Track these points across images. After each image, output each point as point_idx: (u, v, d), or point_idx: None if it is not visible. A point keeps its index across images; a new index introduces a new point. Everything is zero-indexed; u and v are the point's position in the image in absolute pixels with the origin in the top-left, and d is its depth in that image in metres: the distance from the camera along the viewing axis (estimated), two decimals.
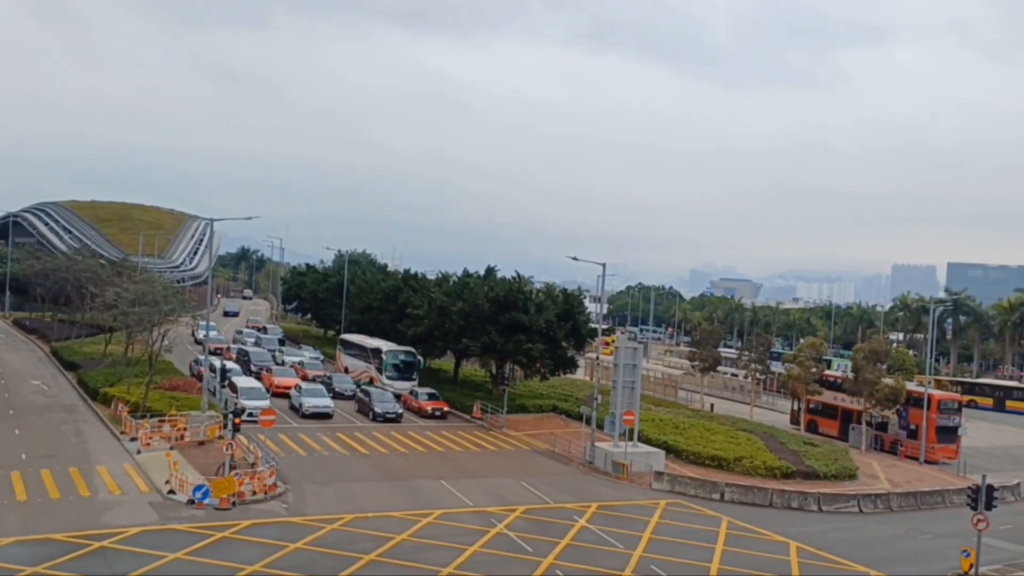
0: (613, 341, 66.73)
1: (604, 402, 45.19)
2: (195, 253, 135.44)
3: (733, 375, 79.70)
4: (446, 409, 53.44)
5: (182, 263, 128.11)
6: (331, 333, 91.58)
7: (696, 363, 65.78)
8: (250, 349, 69.17)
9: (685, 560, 27.92)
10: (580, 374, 69.88)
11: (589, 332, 59.10)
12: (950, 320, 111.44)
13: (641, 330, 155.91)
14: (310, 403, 49.68)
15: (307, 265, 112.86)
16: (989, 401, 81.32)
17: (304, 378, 58.47)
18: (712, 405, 65.18)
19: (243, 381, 50.13)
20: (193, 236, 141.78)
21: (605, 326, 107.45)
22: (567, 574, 25.58)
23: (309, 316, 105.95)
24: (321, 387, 53.62)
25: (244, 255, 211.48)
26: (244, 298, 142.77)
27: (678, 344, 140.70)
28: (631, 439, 42.30)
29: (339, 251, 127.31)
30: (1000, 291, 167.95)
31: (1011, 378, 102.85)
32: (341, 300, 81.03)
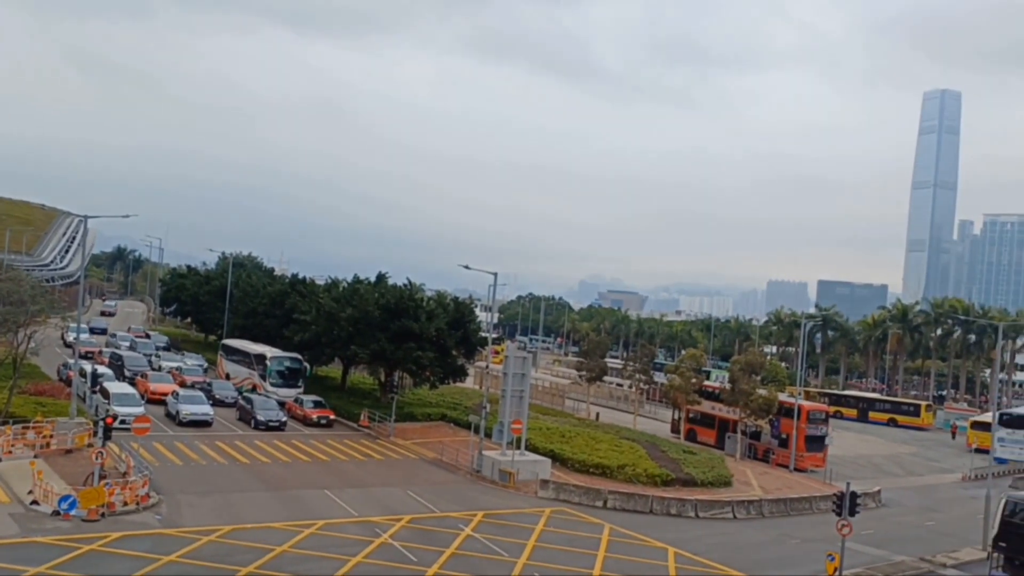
0: (503, 350, 67.27)
1: (493, 411, 45.45)
2: (67, 251, 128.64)
3: (618, 385, 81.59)
4: (332, 417, 52.54)
5: (52, 261, 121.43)
6: (212, 338, 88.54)
7: (583, 373, 67.04)
8: (124, 353, 66.13)
9: (568, 567, 28.35)
10: (470, 382, 70.10)
11: (479, 341, 59.36)
12: (819, 334, 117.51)
13: (531, 339, 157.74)
14: (188, 410, 47.90)
15: (188, 267, 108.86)
16: (854, 412, 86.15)
17: (182, 384, 56.32)
18: (598, 414, 66.50)
19: (116, 386, 47.83)
20: (65, 234, 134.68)
21: (495, 335, 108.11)
22: None
23: (189, 320, 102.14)
24: (200, 394, 51.76)
25: (120, 255, 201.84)
26: (105, 312, 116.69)
27: (566, 354, 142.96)
28: (518, 447, 42.68)
29: (223, 253, 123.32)
30: (865, 308, 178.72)
31: (874, 390, 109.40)
32: (224, 304, 78.54)
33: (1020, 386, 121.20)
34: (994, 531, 28.88)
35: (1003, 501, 29.10)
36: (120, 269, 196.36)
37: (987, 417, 67.36)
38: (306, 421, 51.64)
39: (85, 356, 60.49)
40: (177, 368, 62.77)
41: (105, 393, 45.78)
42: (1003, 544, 28.12)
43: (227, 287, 79.39)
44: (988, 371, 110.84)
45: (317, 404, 53.14)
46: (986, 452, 58.51)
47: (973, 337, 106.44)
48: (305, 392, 56.80)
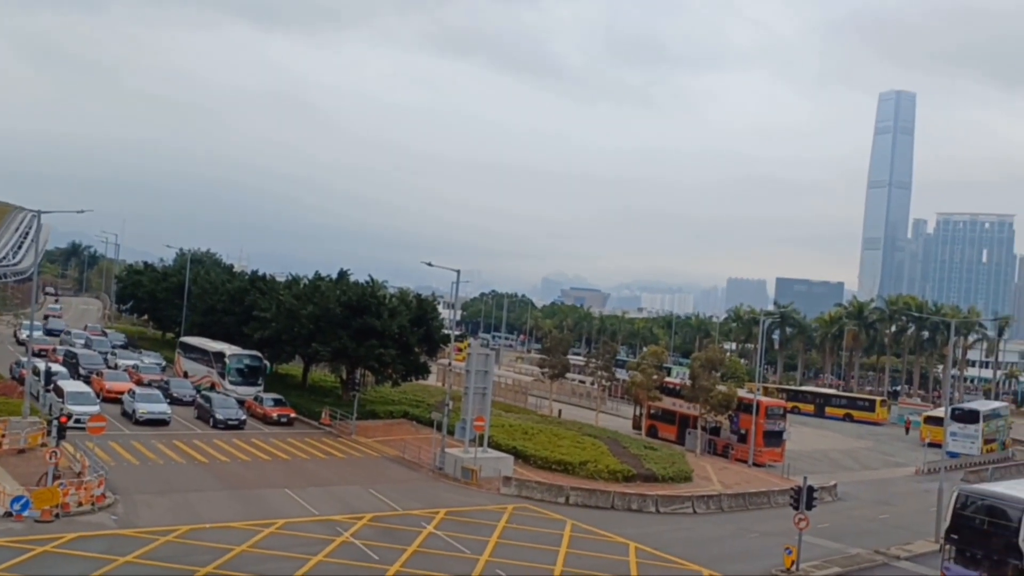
0: (466, 347, 67.16)
1: (455, 408, 45.39)
2: (19, 247, 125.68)
3: (581, 382, 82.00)
4: (293, 415, 52.03)
5: (4, 258, 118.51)
6: (170, 336, 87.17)
7: (546, 370, 67.25)
8: (79, 351, 64.86)
9: (530, 563, 28.44)
10: (432, 380, 69.93)
11: (442, 338, 59.22)
12: (778, 331, 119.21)
13: (494, 337, 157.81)
14: (144, 409, 47.13)
15: (144, 263, 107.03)
16: (811, 408, 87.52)
17: (139, 382, 55.39)
18: (560, 411, 66.75)
19: (70, 385, 46.89)
20: (18, 229, 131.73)
21: (458, 332, 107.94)
22: None
23: (146, 317, 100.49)
24: (157, 392, 50.98)
25: (75, 251, 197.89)
26: (49, 315, 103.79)
27: (529, 351, 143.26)
28: (481, 445, 42.68)
29: (180, 249, 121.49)
30: (822, 305, 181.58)
31: (831, 386, 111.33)
32: (182, 301, 77.35)
33: (972, 382, 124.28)
34: (946, 524, 29.52)
35: (955, 494, 29.76)
36: (75, 265, 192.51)
37: (940, 412, 68.88)
38: (266, 420, 51.10)
39: (38, 354, 59.21)
40: (134, 366, 61.77)
41: (59, 392, 44.87)
42: (955, 536, 28.76)
43: (185, 284, 78.22)
44: (941, 367, 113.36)
45: (277, 402, 52.60)
46: (939, 446, 59.88)
47: (926, 334, 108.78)
48: (265, 390, 56.18)
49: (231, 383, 56.48)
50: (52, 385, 46.34)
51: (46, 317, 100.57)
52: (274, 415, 51.18)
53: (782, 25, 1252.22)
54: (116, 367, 61.03)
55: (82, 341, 74.52)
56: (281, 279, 73.53)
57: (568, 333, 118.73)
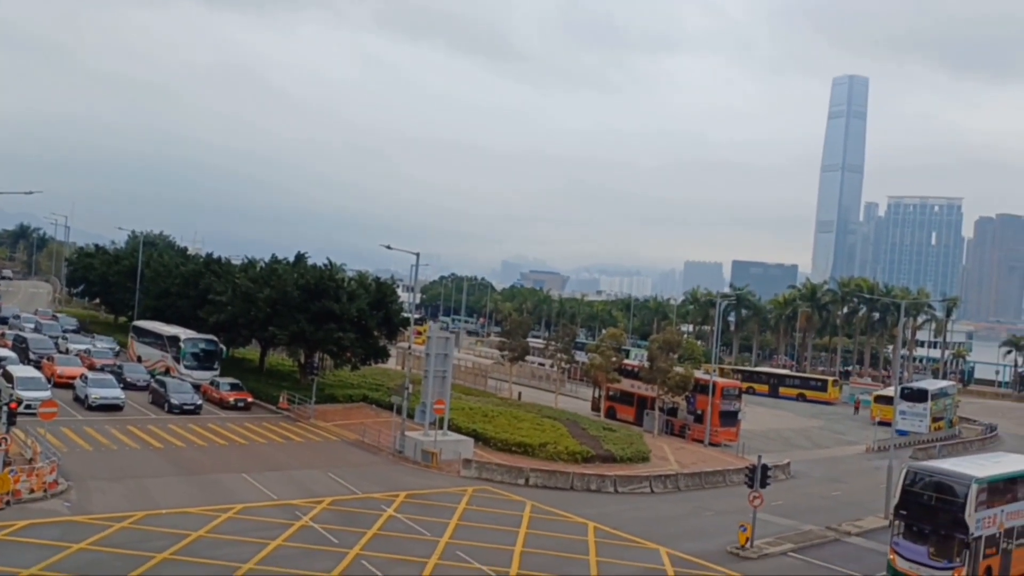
0: (425, 331, 67.00)
1: (415, 391, 45.31)
2: None
3: (540, 364, 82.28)
4: (250, 400, 51.53)
5: None
6: (123, 320, 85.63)
7: (506, 353, 67.38)
8: (28, 336, 63.41)
9: (490, 544, 28.62)
10: (392, 363, 69.69)
11: (401, 321, 58.99)
12: (733, 313, 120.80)
13: (453, 320, 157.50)
14: (97, 394, 46.33)
15: (96, 246, 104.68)
16: (765, 388, 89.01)
17: (91, 367, 54.37)
18: (520, 394, 67.02)
19: (20, 370, 45.84)
20: None
21: (418, 316, 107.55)
22: (373, 564, 25.49)
23: (98, 301, 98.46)
24: (110, 377, 50.10)
25: (24, 233, 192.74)
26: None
27: (489, 334, 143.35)
28: (441, 428, 42.72)
29: (133, 231, 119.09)
30: (776, 287, 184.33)
31: (784, 367, 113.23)
32: (135, 284, 75.97)
33: (921, 362, 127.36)
34: (896, 500, 30.28)
35: (904, 471, 30.55)
36: (23, 248, 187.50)
37: (889, 391, 70.60)
38: (223, 404, 50.53)
39: None
40: (86, 351, 60.57)
41: (8, 377, 43.88)
42: (904, 512, 29.54)
43: (138, 266, 76.82)
44: (891, 347, 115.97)
45: (234, 387, 52.02)
46: (889, 425, 61.47)
47: (877, 315, 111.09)
48: (222, 375, 55.50)
49: (186, 367, 55.70)
50: (1, 370, 45.30)
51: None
52: (231, 399, 50.66)
53: (735, 9, 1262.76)
54: (67, 352, 59.79)
55: (32, 325, 72.84)
56: (237, 262, 72.53)
57: (528, 316, 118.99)
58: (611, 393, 60.96)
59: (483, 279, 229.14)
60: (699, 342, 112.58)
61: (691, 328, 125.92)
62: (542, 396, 67.72)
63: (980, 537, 28.45)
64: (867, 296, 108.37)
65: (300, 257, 62.18)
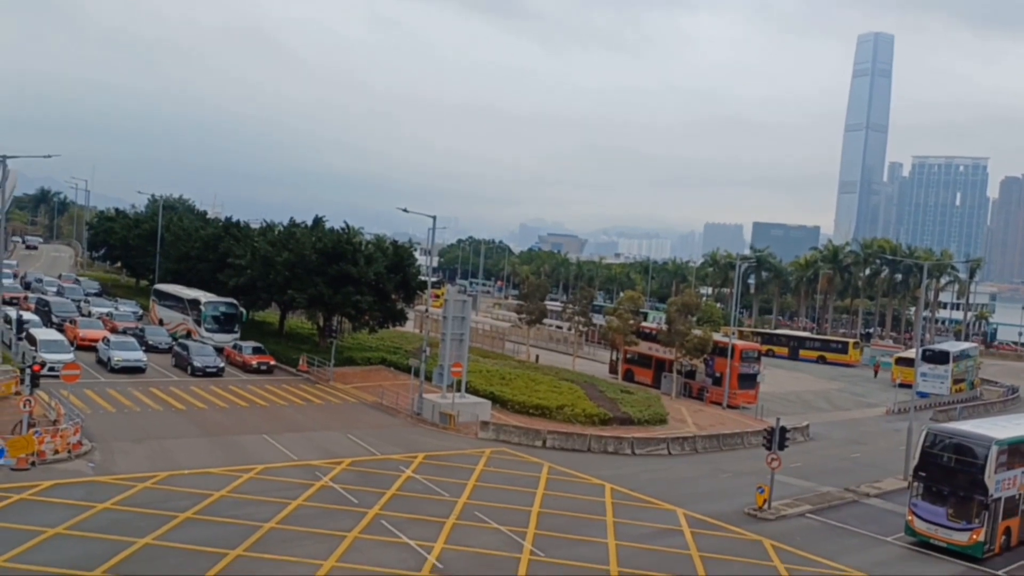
0: (443, 294, 67.08)
1: (433, 354, 45.48)
2: None
3: (558, 327, 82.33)
4: (273, 363, 51.78)
5: None
6: (144, 283, 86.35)
7: (523, 316, 67.40)
8: (51, 299, 64.07)
9: (508, 505, 28.83)
10: (410, 326, 69.84)
11: (419, 284, 59.04)
12: (753, 276, 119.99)
13: (471, 283, 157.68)
14: (119, 356, 46.83)
15: (116, 210, 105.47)
16: (785, 350, 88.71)
17: (113, 330, 54.94)
18: (537, 356, 67.14)
19: (43, 333, 46.38)
20: None
21: (435, 279, 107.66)
22: (392, 524, 25.77)
23: (119, 265, 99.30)
24: (132, 340, 50.59)
25: (44, 197, 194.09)
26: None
27: (506, 297, 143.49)
28: (459, 390, 42.90)
29: (152, 195, 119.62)
30: (798, 249, 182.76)
31: (805, 329, 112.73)
32: (155, 248, 76.46)
33: (943, 323, 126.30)
34: (915, 462, 30.17)
35: (924, 433, 30.38)
36: (44, 212, 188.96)
37: (911, 353, 70.07)
38: (246, 368, 50.92)
39: (9, 303, 58.42)
40: (108, 314, 61.17)
41: (31, 340, 44.43)
42: (923, 474, 29.45)
43: (158, 230, 77.20)
44: (913, 309, 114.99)
45: (257, 350, 52.36)
46: (910, 387, 61.07)
47: (900, 276, 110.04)
48: (242, 338, 55.96)
49: (207, 331, 56.15)
50: (24, 333, 45.84)
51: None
52: (253, 363, 50.98)
53: None
54: (90, 315, 60.41)
55: (54, 289, 73.62)
56: (255, 226, 72.71)
57: (545, 279, 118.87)
58: (629, 356, 60.90)
59: (500, 242, 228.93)
60: (718, 305, 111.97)
61: (710, 291, 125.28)
62: (559, 359, 67.81)
63: (999, 499, 28.35)
64: (890, 258, 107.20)
65: (318, 221, 62.22)
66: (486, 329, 78.08)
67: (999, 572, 27.28)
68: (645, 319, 73.16)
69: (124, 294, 79.97)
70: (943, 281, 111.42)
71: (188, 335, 56.64)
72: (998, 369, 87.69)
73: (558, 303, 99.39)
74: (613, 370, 62.84)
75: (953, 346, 72.49)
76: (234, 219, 77.85)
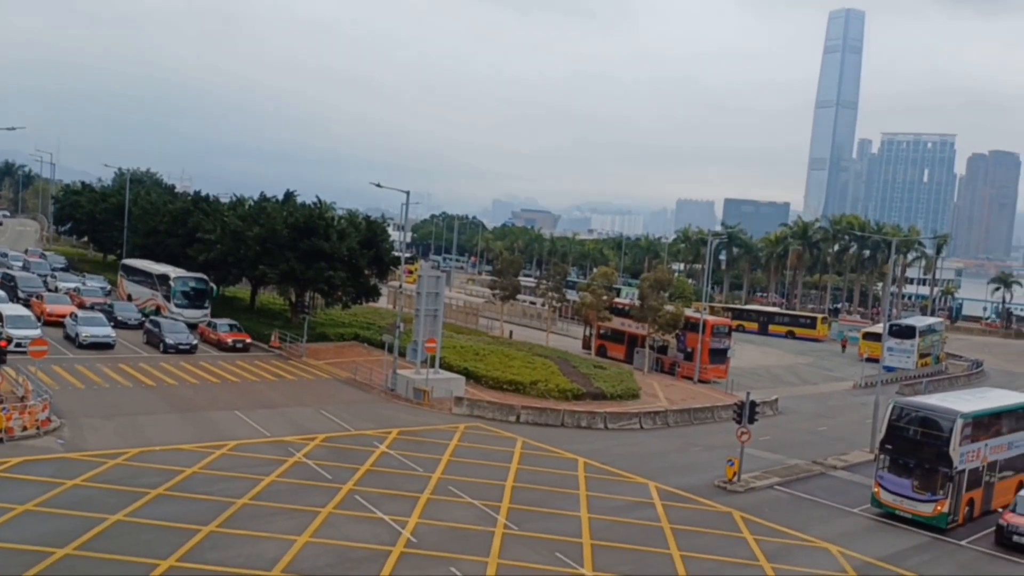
0: (416, 270, 66.86)
1: (407, 330, 45.39)
2: None
3: (532, 303, 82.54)
4: (249, 341, 50.67)
5: None
6: (112, 258, 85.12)
7: (497, 291, 67.42)
8: (17, 274, 62.98)
9: (482, 480, 28.99)
10: (383, 302, 69.68)
11: (392, 260, 58.77)
12: (724, 252, 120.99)
13: (444, 259, 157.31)
14: (87, 332, 46.22)
15: (83, 183, 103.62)
16: (755, 325, 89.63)
17: (80, 305, 54.16)
18: (511, 332, 67.29)
19: (8, 308, 45.65)
20: None
21: (409, 254, 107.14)
22: (367, 499, 25.81)
23: (86, 239, 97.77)
24: (100, 315, 49.90)
25: (8, 170, 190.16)
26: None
27: (480, 273, 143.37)
28: (433, 366, 42.91)
29: (119, 169, 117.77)
30: (768, 225, 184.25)
31: (775, 305, 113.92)
32: (122, 223, 75.31)
33: (909, 299, 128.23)
34: (881, 435, 30.73)
35: (891, 406, 30.91)
36: (9, 185, 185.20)
37: (878, 328, 71.15)
38: (221, 346, 49.75)
39: None
40: (75, 289, 60.29)
41: None
42: (889, 447, 30.00)
43: (125, 205, 76.02)
44: (880, 284, 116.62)
45: (232, 327, 51.48)
46: (877, 361, 62.08)
47: (868, 252, 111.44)
48: (213, 313, 55.40)
49: (177, 306, 55.49)
50: None
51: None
52: (229, 340, 49.77)
53: None
54: (57, 290, 59.51)
55: (20, 264, 72.39)
56: (225, 200, 71.82)
57: (519, 255, 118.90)
58: (602, 331, 61.22)
59: (474, 218, 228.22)
60: (690, 280, 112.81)
61: (682, 266, 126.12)
62: (533, 334, 68.01)
63: (964, 471, 28.98)
64: (858, 234, 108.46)
65: (289, 195, 61.60)
66: (460, 305, 78.05)
67: (962, 542, 27.96)
68: (618, 295, 73.55)
69: (91, 269, 78.85)
70: (910, 257, 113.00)
71: (157, 311, 55.97)
72: (963, 344, 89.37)
73: (532, 279, 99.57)
74: (586, 345, 63.16)
75: (919, 321, 73.67)
76: (203, 193, 76.86)
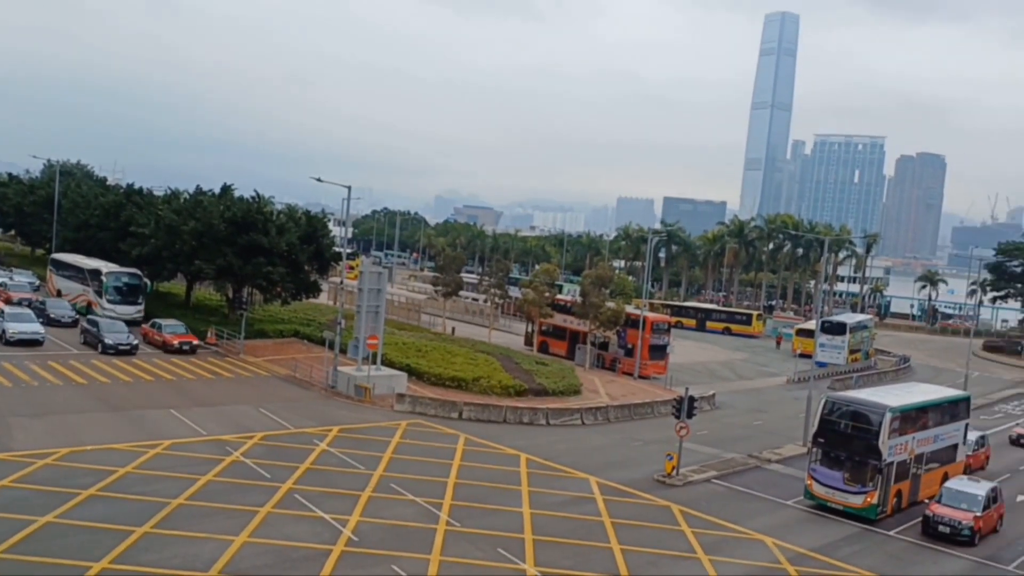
0: (357, 265, 66.21)
1: (348, 327, 44.95)
2: None
3: (474, 299, 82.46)
4: (196, 343, 48.53)
5: None
6: (40, 252, 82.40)
7: (439, 288, 67.20)
8: None
9: (424, 477, 28.92)
10: (324, 299, 68.94)
11: (333, 256, 58.12)
12: (664, 249, 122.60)
13: (386, 255, 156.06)
14: (15, 329, 44.76)
15: (9, 175, 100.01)
16: (693, 322, 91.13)
17: (7, 301, 52.30)
18: (454, 328, 67.18)
19: None
20: None
21: (350, 250, 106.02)
22: (306, 498, 25.53)
23: (13, 233, 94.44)
24: (29, 311, 48.34)
25: None
26: None
27: (422, 269, 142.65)
28: (374, 363, 42.61)
29: (48, 160, 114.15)
30: (706, 224, 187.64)
31: (712, 302, 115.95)
32: (51, 216, 72.91)
33: (841, 296, 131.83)
34: (814, 429, 31.61)
35: (823, 401, 31.81)
36: None
37: (810, 325, 73.02)
38: (167, 348, 47.42)
39: None
40: (2, 284, 58.22)
41: None
42: (821, 440, 30.87)
43: (55, 197, 73.62)
44: (813, 282, 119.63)
45: (179, 329, 49.09)
46: (809, 357, 63.73)
47: (801, 251, 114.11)
48: (146, 310, 53.99)
49: (109, 302, 53.96)
50: None
51: None
52: (175, 343, 47.51)
53: None
54: None
55: None
56: (159, 193, 70.11)
57: (461, 251, 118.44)
58: (544, 328, 61.55)
59: (416, 214, 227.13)
60: (630, 277, 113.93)
61: (623, 264, 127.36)
62: (476, 331, 68.01)
63: (892, 463, 29.99)
64: (792, 232, 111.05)
65: (226, 189, 60.37)
66: (402, 301, 77.54)
67: (891, 532, 28.93)
68: (560, 292, 74.03)
69: (19, 263, 76.22)
70: (841, 255, 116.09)
71: (89, 307, 54.34)
72: (891, 340, 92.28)
73: (474, 275, 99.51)
74: (528, 342, 63.44)
75: (850, 318, 75.77)
76: (136, 186, 74.89)
